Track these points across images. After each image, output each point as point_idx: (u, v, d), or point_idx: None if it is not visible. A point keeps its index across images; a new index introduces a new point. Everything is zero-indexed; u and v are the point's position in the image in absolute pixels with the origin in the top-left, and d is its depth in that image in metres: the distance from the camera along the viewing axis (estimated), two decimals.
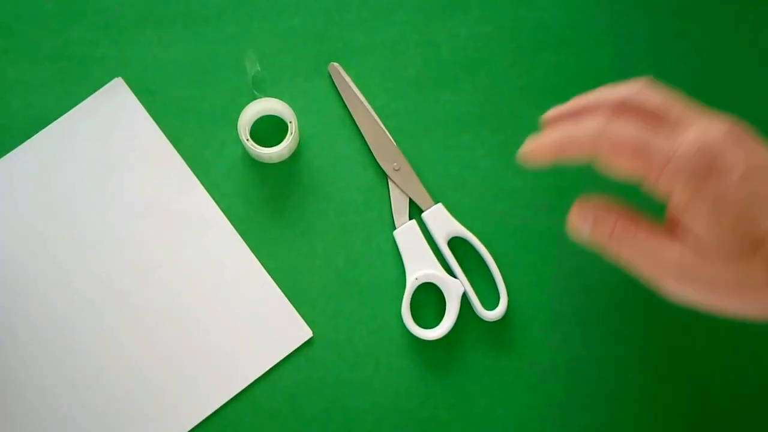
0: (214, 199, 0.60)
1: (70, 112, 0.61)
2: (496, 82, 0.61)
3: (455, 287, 0.57)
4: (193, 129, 0.61)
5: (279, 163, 0.60)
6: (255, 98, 0.60)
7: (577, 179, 0.59)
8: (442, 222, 0.58)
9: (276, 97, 0.60)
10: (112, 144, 0.60)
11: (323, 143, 0.61)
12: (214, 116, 0.61)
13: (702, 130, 0.44)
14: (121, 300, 0.58)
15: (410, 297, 0.57)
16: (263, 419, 0.57)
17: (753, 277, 0.43)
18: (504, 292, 0.57)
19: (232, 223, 0.59)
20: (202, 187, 0.60)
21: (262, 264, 0.59)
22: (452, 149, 0.61)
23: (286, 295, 0.58)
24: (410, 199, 0.58)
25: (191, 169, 0.60)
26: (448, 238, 0.58)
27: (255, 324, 0.58)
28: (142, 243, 0.59)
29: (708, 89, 0.62)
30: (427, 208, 0.58)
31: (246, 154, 0.60)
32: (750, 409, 0.57)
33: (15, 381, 0.57)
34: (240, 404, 0.57)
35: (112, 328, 0.58)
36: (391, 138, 0.58)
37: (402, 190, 0.58)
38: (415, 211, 0.59)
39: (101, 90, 0.61)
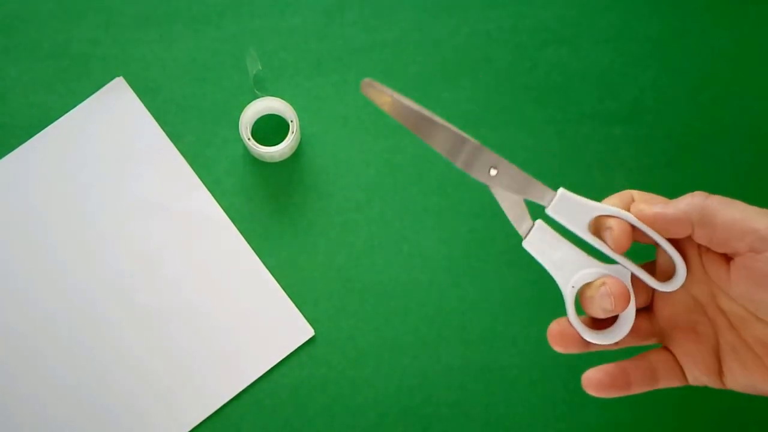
0: (215, 197, 0.60)
1: (71, 111, 0.61)
2: (497, 81, 0.61)
3: (621, 273, 0.45)
4: (195, 128, 0.61)
5: (280, 161, 0.60)
6: (256, 97, 0.60)
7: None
8: (575, 208, 0.45)
9: (277, 96, 0.60)
10: (113, 143, 0.60)
11: (324, 142, 0.61)
12: (216, 115, 0.61)
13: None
14: (122, 299, 0.58)
15: (574, 308, 0.45)
16: (266, 417, 0.57)
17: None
18: (677, 256, 0.45)
19: (233, 222, 0.59)
20: (203, 186, 0.60)
21: (264, 262, 0.59)
22: None
23: (287, 294, 0.59)
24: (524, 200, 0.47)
25: (192, 168, 0.60)
26: (588, 223, 0.46)
27: (257, 323, 0.58)
28: (142, 241, 0.59)
29: (708, 87, 0.62)
30: (548, 201, 0.46)
31: (247, 153, 0.60)
32: (752, 407, 0.58)
33: (20, 378, 0.57)
34: (242, 402, 0.57)
35: (115, 326, 0.58)
36: (473, 140, 0.46)
37: (512, 193, 0.46)
38: (533, 211, 0.46)
39: (102, 89, 0.61)
